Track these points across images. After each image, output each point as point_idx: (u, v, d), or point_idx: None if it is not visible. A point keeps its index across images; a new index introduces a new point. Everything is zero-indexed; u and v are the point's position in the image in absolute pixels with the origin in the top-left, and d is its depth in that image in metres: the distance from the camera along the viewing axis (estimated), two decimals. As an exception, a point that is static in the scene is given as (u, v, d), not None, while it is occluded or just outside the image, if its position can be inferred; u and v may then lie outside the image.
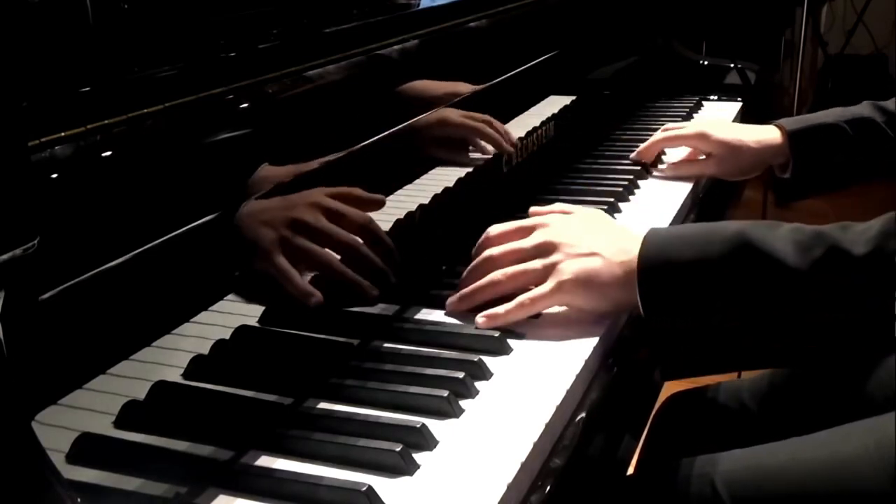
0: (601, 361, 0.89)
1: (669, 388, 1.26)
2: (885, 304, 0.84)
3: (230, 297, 0.81)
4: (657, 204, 1.28)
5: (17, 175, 0.55)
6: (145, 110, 0.71)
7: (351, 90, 0.96)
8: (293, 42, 0.92)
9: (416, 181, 1.06)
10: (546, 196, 1.24)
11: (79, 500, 0.56)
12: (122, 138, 0.69)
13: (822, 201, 1.39)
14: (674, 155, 1.45)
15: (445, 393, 0.77)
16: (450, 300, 0.94)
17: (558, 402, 0.78)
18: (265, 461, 0.71)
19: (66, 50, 0.67)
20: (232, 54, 0.83)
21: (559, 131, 1.41)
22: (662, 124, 1.48)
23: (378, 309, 0.93)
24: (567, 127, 1.45)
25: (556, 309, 0.93)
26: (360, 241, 0.92)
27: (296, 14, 0.98)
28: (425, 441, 0.72)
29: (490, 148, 1.20)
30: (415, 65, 1.08)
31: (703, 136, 1.38)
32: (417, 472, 0.69)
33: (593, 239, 0.93)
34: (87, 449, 0.67)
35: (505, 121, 1.25)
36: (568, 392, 0.80)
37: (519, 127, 1.29)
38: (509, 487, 0.68)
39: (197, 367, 0.77)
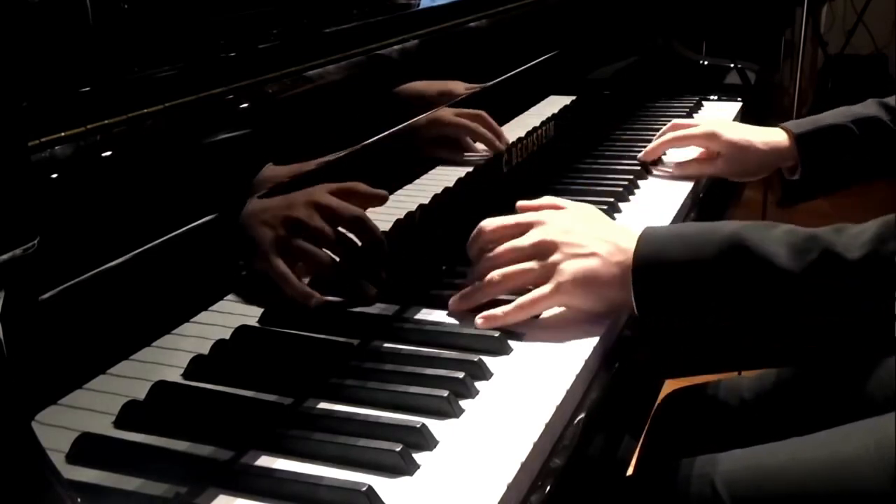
0: (601, 361, 0.89)
1: (669, 385, 1.26)
2: (882, 307, 0.84)
3: (230, 297, 0.81)
4: (657, 204, 1.28)
5: (17, 175, 0.55)
6: (145, 110, 0.71)
7: (351, 90, 0.96)
8: (293, 42, 0.92)
9: (416, 181, 1.06)
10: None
11: (79, 500, 0.56)
12: (122, 138, 0.69)
13: (822, 201, 1.39)
14: (677, 154, 1.45)
15: (445, 393, 0.77)
16: (451, 300, 0.94)
17: (558, 402, 0.78)
18: (265, 461, 0.71)
19: (66, 50, 0.67)
20: (232, 54, 0.83)
21: (559, 131, 1.41)
22: (663, 124, 1.47)
23: (378, 309, 0.93)
24: (567, 127, 1.45)
25: (556, 309, 0.93)
26: (357, 240, 0.92)
27: (296, 14, 0.98)
28: (425, 441, 0.72)
29: (483, 146, 1.19)
30: (415, 65, 1.08)
31: (713, 136, 1.38)
32: (417, 472, 0.69)
33: (590, 238, 0.93)
34: (87, 449, 0.67)
35: (505, 121, 1.25)
36: (568, 392, 0.80)
37: (519, 127, 1.29)
38: (509, 487, 0.68)
39: (197, 367, 0.77)
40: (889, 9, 4.15)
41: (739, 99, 1.86)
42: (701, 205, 1.39)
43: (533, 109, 1.39)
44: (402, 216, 1.01)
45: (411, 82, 1.06)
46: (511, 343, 0.87)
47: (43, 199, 0.60)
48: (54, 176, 0.63)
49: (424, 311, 0.95)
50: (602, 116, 1.65)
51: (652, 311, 0.89)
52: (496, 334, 0.87)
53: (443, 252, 1.06)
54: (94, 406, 0.69)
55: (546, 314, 0.93)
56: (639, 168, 1.40)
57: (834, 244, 0.85)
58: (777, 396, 1.16)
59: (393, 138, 0.99)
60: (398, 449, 0.69)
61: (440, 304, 0.95)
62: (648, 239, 0.91)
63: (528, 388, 0.80)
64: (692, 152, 1.43)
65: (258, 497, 0.67)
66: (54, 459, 0.56)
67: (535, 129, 1.33)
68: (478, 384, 0.81)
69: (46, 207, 0.60)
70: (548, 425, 0.75)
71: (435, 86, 1.11)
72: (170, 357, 0.75)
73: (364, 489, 0.65)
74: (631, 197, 1.30)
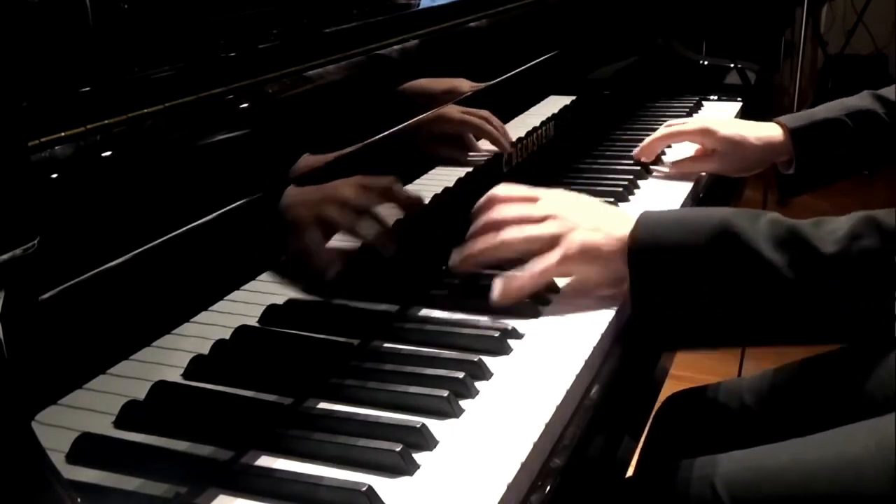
0: (602, 361, 0.89)
1: (669, 388, 1.26)
2: (862, 307, 0.85)
3: (230, 297, 0.81)
4: (657, 204, 1.28)
5: (17, 175, 0.55)
6: (145, 110, 0.71)
7: (351, 90, 0.96)
8: (293, 42, 0.92)
9: (416, 181, 1.06)
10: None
11: (79, 500, 0.56)
12: (122, 138, 0.69)
13: (823, 201, 1.39)
14: (674, 153, 1.45)
15: (445, 393, 0.77)
16: (454, 258, 0.96)
17: (558, 402, 0.78)
18: (265, 461, 0.71)
19: (66, 50, 0.67)
20: (232, 54, 0.83)
21: (559, 131, 1.41)
22: (662, 124, 1.48)
23: (378, 309, 0.93)
24: (567, 127, 1.45)
25: (556, 308, 0.93)
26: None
27: (296, 14, 0.98)
28: (425, 441, 0.72)
29: (488, 146, 1.20)
30: (415, 65, 1.08)
31: (707, 132, 1.38)
32: (417, 472, 0.69)
33: (597, 215, 0.97)
34: (87, 449, 0.67)
35: (505, 121, 1.25)
36: (568, 392, 0.80)
37: (519, 127, 1.29)
38: (509, 487, 0.68)
39: (197, 367, 0.77)
40: (889, 9, 4.15)
41: (739, 99, 1.86)
42: (701, 204, 1.38)
43: (533, 109, 1.39)
44: (401, 216, 1.01)
45: (411, 82, 1.06)
46: (511, 343, 0.87)
47: (43, 200, 0.60)
48: (54, 176, 0.63)
49: (424, 311, 0.95)
50: (602, 116, 1.65)
51: (646, 292, 0.91)
52: (496, 334, 0.87)
53: (443, 252, 1.06)
54: (94, 406, 0.69)
55: (546, 313, 0.93)
56: (639, 168, 1.40)
57: (811, 237, 0.87)
58: (777, 398, 1.16)
59: (393, 138, 0.99)
60: (398, 449, 0.69)
61: (440, 304, 0.95)
62: (645, 221, 0.93)
63: (528, 388, 0.80)
64: (688, 150, 1.43)
65: (258, 497, 0.67)
66: (54, 459, 0.56)
67: (535, 129, 1.33)
68: (478, 384, 0.81)
69: (46, 207, 0.60)
70: (548, 425, 0.75)
71: (435, 86, 1.11)
72: (170, 357, 0.75)
73: (364, 489, 0.65)
74: (631, 197, 1.30)
